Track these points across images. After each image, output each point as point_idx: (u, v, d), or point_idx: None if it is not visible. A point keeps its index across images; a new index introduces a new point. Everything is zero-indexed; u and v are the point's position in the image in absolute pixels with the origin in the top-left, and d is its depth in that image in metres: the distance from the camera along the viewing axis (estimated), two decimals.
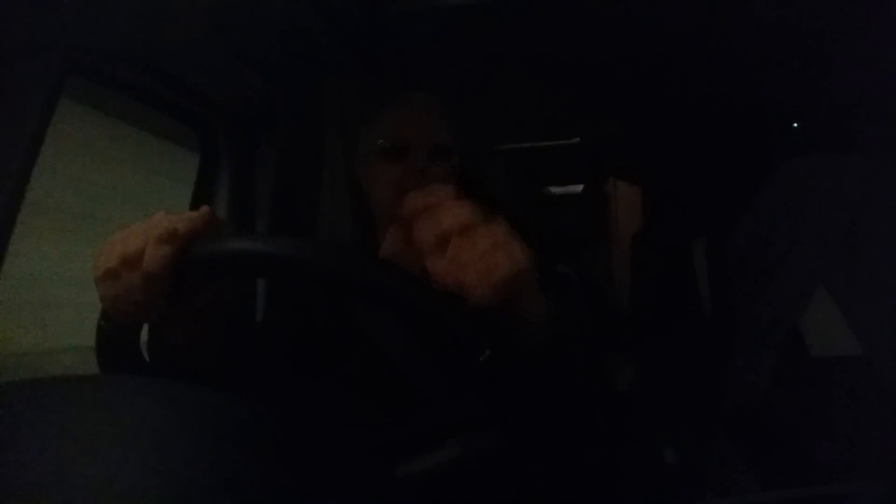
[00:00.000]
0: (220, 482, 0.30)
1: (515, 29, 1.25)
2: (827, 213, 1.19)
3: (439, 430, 0.58)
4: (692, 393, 1.52)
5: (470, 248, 0.47)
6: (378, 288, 0.47)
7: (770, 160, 1.34)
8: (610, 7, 1.18)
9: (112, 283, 0.54)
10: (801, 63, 1.39)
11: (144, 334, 0.61)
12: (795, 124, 1.74)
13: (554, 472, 0.91)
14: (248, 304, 1.26)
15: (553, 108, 1.79)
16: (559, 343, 0.84)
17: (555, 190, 2.73)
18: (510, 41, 1.31)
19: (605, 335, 2.02)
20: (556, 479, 0.91)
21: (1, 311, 0.90)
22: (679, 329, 1.80)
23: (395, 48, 1.29)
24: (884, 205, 1.16)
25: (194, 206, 1.26)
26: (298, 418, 0.38)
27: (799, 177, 1.26)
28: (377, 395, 0.82)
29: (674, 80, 1.54)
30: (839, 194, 1.20)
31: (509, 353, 0.48)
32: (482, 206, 0.50)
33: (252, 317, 1.24)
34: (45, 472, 0.28)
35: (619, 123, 1.97)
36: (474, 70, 1.43)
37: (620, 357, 1.96)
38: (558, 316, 0.91)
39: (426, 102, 1.03)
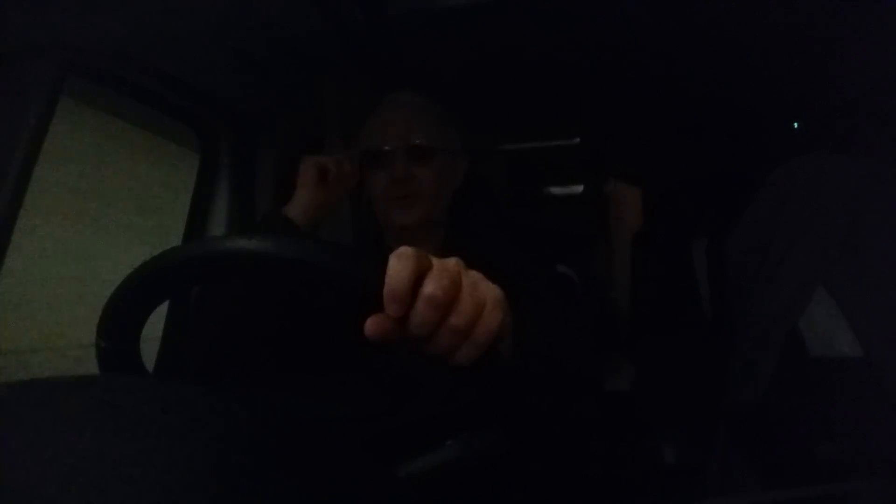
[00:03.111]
0: (221, 482, 0.30)
1: (515, 29, 1.25)
2: (827, 213, 1.19)
3: (440, 419, 0.58)
4: (692, 393, 1.52)
5: (456, 313, 0.45)
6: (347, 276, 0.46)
7: (770, 160, 1.34)
8: (610, 7, 1.18)
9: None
10: (801, 63, 1.39)
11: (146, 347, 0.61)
12: (795, 124, 1.74)
13: (554, 473, 0.91)
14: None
15: (553, 108, 1.79)
16: (560, 343, 0.84)
17: (555, 190, 2.73)
18: (510, 41, 1.31)
19: (604, 335, 2.02)
20: (556, 479, 0.91)
21: (1, 310, 0.90)
22: (679, 329, 1.80)
23: (395, 48, 1.29)
24: (884, 205, 1.16)
25: (194, 205, 1.26)
26: (299, 418, 0.38)
27: (799, 177, 1.26)
28: (379, 389, 0.82)
29: (674, 79, 1.54)
30: (839, 194, 1.20)
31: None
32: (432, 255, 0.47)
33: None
34: (46, 473, 0.28)
35: (618, 123, 1.97)
36: (474, 70, 1.43)
37: (620, 357, 1.96)
38: (559, 316, 0.91)
39: (405, 103, 1.01)
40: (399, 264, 0.44)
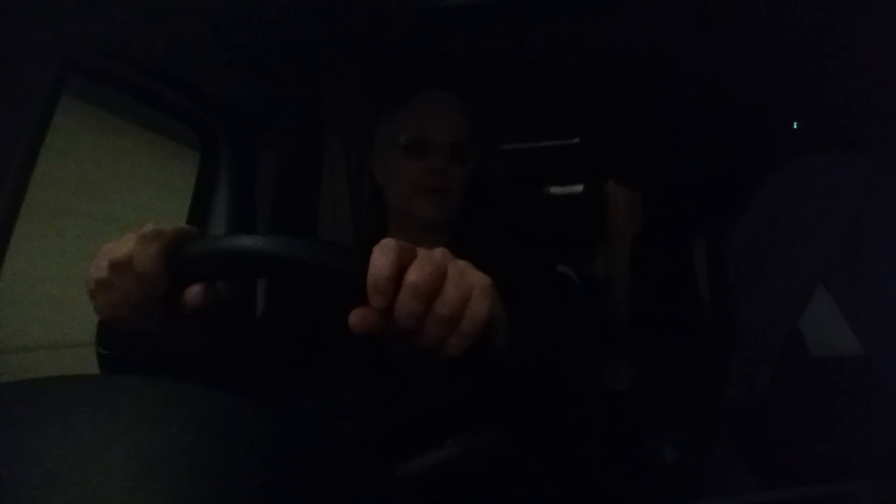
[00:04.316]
0: (220, 482, 0.30)
1: (515, 29, 1.25)
2: (827, 213, 1.19)
3: (437, 415, 0.58)
4: (692, 393, 1.52)
5: (441, 303, 0.44)
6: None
7: (770, 160, 1.34)
8: (610, 7, 1.18)
9: (106, 293, 0.52)
10: (801, 63, 1.39)
11: None
12: (795, 124, 1.74)
13: (554, 473, 0.91)
14: (247, 301, 1.26)
15: (553, 108, 1.79)
16: (560, 342, 0.84)
17: (555, 190, 2.73)
18: (510, 41, 1.31)
19: (604, 335, 2.02)
20: (556, 479, 0.91)
21: (1, 309, 0.90)
22: (679, 329, 1.80)
23: (394, 48, 1.29)
24: (884, 205, 1.16)
25: (194, 205, 1.26)
26: (299, 417, 0.38)
27: (799, 177, 1.26)
28: (378, 387, 0.82)
29: (674, 79, 1.54)
30: (839, 194, 1.20)
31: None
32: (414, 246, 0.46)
33: (252, 313, 1.24)
34: (45, 473, 0.28)
35: (619, 124, 1.97)
36: (474, 70, 1.43)
37: (620, 357, 1.96)
38: (559, 316, 0.91)
39: (449, 101, 1.03)
40: (382, 255, 0.44)
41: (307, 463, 0.35)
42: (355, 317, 0.44)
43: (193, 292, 0.52)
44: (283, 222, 1.34)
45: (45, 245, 1.00)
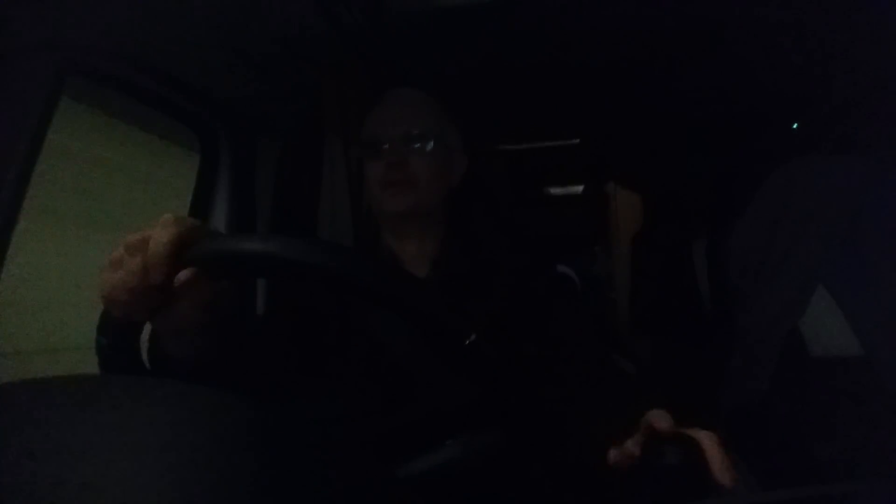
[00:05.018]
0: (221, 482, 0.30)
1: (515, 30, 1.25)
2: (827, 213, 1.19)
3: (438, 420, 0.58)
4: (692, 393, 1.52)
5: None
6: (371, 285, 0.47)
7: (770, 160, 1.34)
8: (610, 8, 1.18)
9: (113, 271, 0.54)
10: (801, 63, 1.39)
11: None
12: (795, 124, 1.74)
13: (554, 472, 0.91)
14: (247, 303, 1.26)
15: (553, 108, 1.79)
16: (560, 342, 0.84)
17: (555, 190, 2.73)
18: (510, 42, 1.31)
19: (604, 335, 2.02)
20: (556, 478, 0.91)
21: (1, 311, 0.90)
22: (679, 329, 1.80)
23: (394, 48, 1.29)
24: (884, 205, 1.16)
25: (195, 205, 1.26)
26: (300, 418, 0.38)
27: (799, 177, 1.26)
28: (379, 389, 0.82)
29: (674, 80, 1.54)
30: (839, 194, 1.20)
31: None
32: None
33: (252, 315, 1.24)
34: (46, 473, 0.28)
35: (619, 125, 1.97)
36: (474, 70, 1.43)
37: (620, 357, 1.96)
38: (558, 315, 0.90)
39: (407, 95, 1.03)
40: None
41: (307, 464, 0.35)
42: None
43: (184, 276, 0.52)
44: (283, 222, 1.34)
45: (44, 247, 1.00)
